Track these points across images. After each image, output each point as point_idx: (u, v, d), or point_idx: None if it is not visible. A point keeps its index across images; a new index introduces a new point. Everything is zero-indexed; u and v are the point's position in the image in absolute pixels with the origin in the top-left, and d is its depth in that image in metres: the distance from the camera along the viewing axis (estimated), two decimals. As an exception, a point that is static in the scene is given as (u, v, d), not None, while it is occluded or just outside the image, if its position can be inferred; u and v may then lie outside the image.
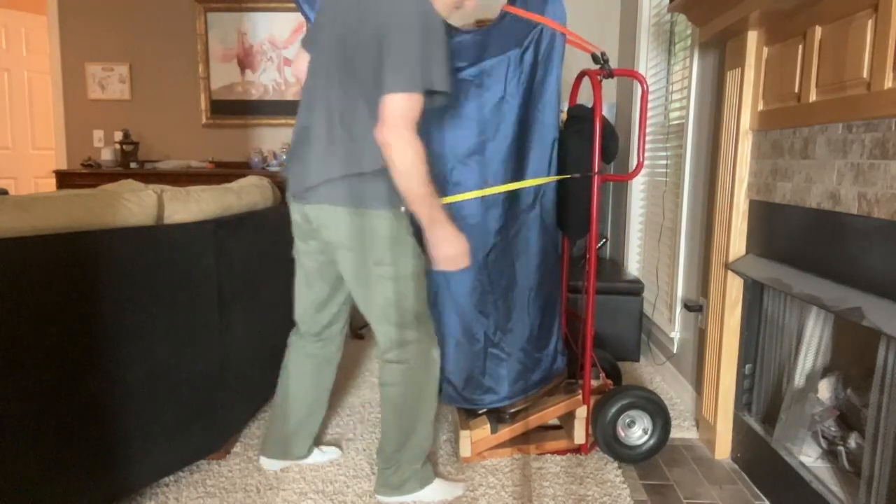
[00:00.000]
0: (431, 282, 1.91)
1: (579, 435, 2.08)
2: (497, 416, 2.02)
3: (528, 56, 1.83)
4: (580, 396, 2.07)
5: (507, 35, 1.83)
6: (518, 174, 1.92)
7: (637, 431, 2.08)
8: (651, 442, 2.06)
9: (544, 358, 2.05)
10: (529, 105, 1.87)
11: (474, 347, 1.96)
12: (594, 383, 2.18)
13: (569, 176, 1.98)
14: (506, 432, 2.02)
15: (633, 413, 2.07)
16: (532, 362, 2.02)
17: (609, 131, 2.03)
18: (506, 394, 1.99)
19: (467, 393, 1.98)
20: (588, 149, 1.98)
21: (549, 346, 2.06)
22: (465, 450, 1.98)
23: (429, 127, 1.84)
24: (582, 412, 2.06)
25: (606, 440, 2.03)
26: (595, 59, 1.92)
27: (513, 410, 2.00)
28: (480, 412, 2.05)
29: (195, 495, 1.82)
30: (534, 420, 2.05)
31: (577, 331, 2.24)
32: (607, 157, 2.04)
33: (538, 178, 1.92)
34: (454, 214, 1.84)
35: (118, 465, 1.66)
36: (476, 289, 1.92)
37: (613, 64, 3.99)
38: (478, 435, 1.99)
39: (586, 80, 4.10)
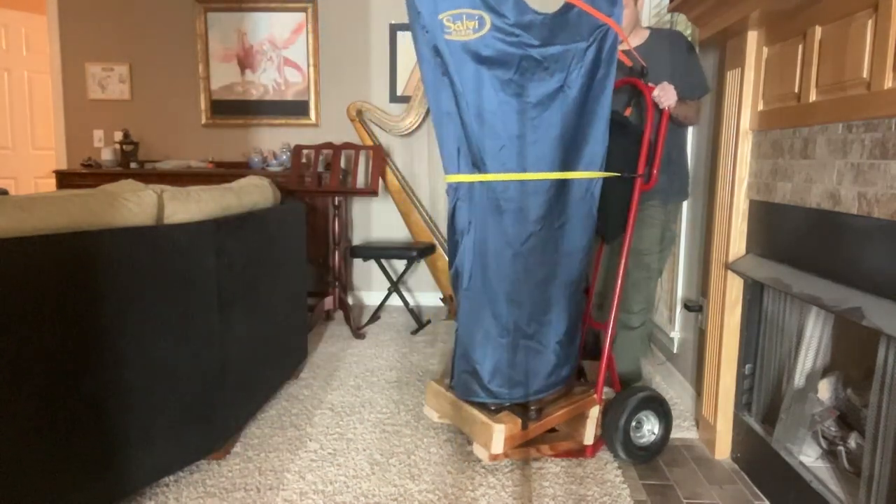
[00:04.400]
0: (461, 265, 1.88)
1: (589, 436, 2.05)
2: (523, 412, 1.93)
3: (591, 52, 1.84)
4: (594, 396, 2.05)
5: (575, 27, 1.84)
6: (568, 166, 1.89)
7: (644, 432, 2.09)
8: (657, 440, 2.09)
9: (573, 353, 2.04)
10: (588, 99, 1.87)
11: (504, 339, 1.90)
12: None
13: (617, 174, 1.99)
14: (536, 428, 1.94)
15: (642, 415, 2.07)
16: (565, 357, 2.00)
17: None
18: (537, 388, 1.95)
19: (494, 386, 1.91)
20: (633, 151, 2.01)
21: (577, 341, 2.05)
22: (497, 446, 1.85)
23: (492, 97, 1.81)
24: (595, 412, 2.04)
25: (624, 443, 2.01)
26: (642, 72, 2.12)
27: (535, 407, 1.94)
28: (500, 407, 1.95)
29: (195, 495, 1.82)
30: (557, 418, 2.00)
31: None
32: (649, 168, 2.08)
33: (587, 173, 1.92)
34: (491, 195, 1.83)
35: (118, 465, 1.66)
36: (509, 277, 1.87)
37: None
38: (510, 430, 1.87)
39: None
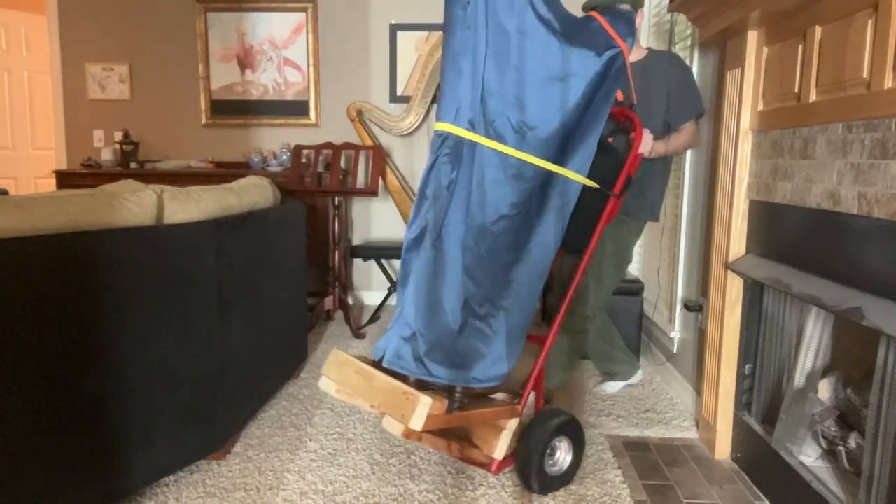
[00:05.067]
0: (426, 224, 1.73)
1: (501, 449, 1.82)
2: (449, 397, 1.71)
3: (600, 66, 1.83)
4: (516, 406, 1.85)
5: (591, 39, 1.84)
6: (559, 162, 1.84)
7: (557, 458, 1.92)
8: (567, 468, 1.93)
9: (516, 353, 1.86)
10: (589, 109, 1.85)
11: (453, 312, 1.74)
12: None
13: (597, 186, 1.95)
14: (458, 418, 1.71)
15: (556, 441, 1.90)
16: (510, 352, 1.83)
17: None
18: (478, 375, 1.76)
19: (430, 359, 1.71)
20: (612, 171, 2.00)
21: (521, 343, 1.87)
22: (419, 421, 1.58)
23: (505, 55, 1.74)
24: (513, 424, 1.84)
25: (536, 469, 1.82)
26: (631, 105, 2.16)
27: (461, 394, 1.72)
28: (423, 385, 1.73)
29: (195, 495, 1.82)
30: (480, 415, 1.78)
31: None
32: (623, 190, 2.04)
33: (575, 174, 1.87)
34: (479, 163, 1.75)
35: (118, 465, 1.66)
36: (473, 251, 1.75)
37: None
38: (437, 408, 1.62)
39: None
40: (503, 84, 1.75)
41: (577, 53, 1.80)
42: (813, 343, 1.79)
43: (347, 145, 3.62)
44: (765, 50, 1.90)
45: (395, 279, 3.74)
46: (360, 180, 4.23)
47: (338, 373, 1.86)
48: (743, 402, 2.05)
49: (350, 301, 4.24)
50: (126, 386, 1.66)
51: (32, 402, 1.44)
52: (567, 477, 1.93)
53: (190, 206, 1.85)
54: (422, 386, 1.72)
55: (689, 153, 2.66)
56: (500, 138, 1.77)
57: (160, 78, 4.30)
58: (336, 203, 3.57)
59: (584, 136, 1.86)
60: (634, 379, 2.73)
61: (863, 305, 1.36)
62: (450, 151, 1.71)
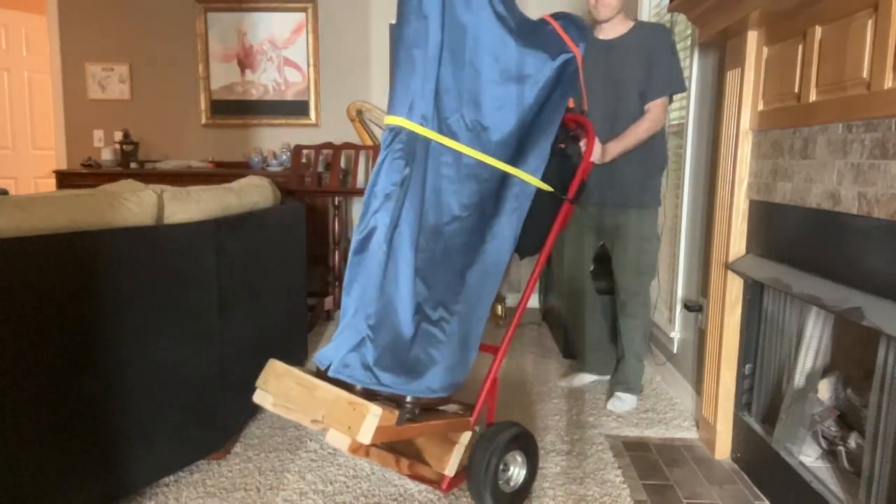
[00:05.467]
0: (377, 223, 1.62)
1: (453, 465, 1.72)
2: (399, 407, 1.58)
3: (553, 70, 1.79)
4: (468, 419, 1.74)
5: (545, 42, 1.81)
6: (514, 164, 1.78)
7: (511, 473, 1.82)
8: (522, 483, 1.83)
9: (469, 360, 1.76)
10: (543, 112, 1.81)
11: (405, 317, 1.62)
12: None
13: (552, 190, 1.89)
14: (409, 430, 1.58)
15: (510, 455, 1.80)
16: (465, 359, 1.75)
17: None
18: (432, 385, 1.65)
19: (380, 368, 1.60)
20: (569, 170, 1.98)
21: (474, 352, 1.77)
22: (367, 434, 1.44)
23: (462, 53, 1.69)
24: (465, 438, 1.74)
25: (490, 487, 1.70)
26: (582, 112, 2.09)
27: (412, 405, 1.61)
28: (371, 395, 1.60)
29: (195, 495, 1.82)
30: (432, 427, 1.66)
31: None
32: (577, 195, 2.00)
33: (530, 177, 1.81)
34: (434, 161, 1.67)
35: (118, 465, 1.66)
36: (424, 251, 1.66)
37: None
38: (386, 419, 1.49)
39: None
40: (458, 81, 1.68)
41: (533, 55, 1.75)
42: (813, 343, 1.79)
43: (347, 145, 3.62)
44: (765, 50, 1.90)
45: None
46: (360, 180, 4.23)
47: (275, 384, 1.71)
48: (743, 402, 2.05)
49: (350, 301, 4.23)
50: (126, 386, 1.66)
51: (32, 402, 1.45)
52: (523, 493, 1.82)
53: (190, 206, 1.85)
54: (369, 396, 1.57)
55: (688, 153, 2.66)
56: (453, 136, 1.69)
57: (160, 78, 4.30)
58: (336, 203, 3.57)
59: (539, 139, 1.81)
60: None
61: (863, 305, 1.36)
62: (402, 147, 1.62)
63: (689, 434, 2.29)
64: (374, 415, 1.46)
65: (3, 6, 4.81)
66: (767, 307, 1.95)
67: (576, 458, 2.08)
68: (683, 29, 2.84)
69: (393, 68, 1.72)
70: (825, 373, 1.79)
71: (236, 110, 4.31)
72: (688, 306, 2.52)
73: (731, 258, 2.05)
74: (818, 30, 1.59)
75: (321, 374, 1.67)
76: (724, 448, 2.12)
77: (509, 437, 1.76)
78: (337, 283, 3.61)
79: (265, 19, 4.22)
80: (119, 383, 1.64)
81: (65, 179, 4.02)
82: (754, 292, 2.01)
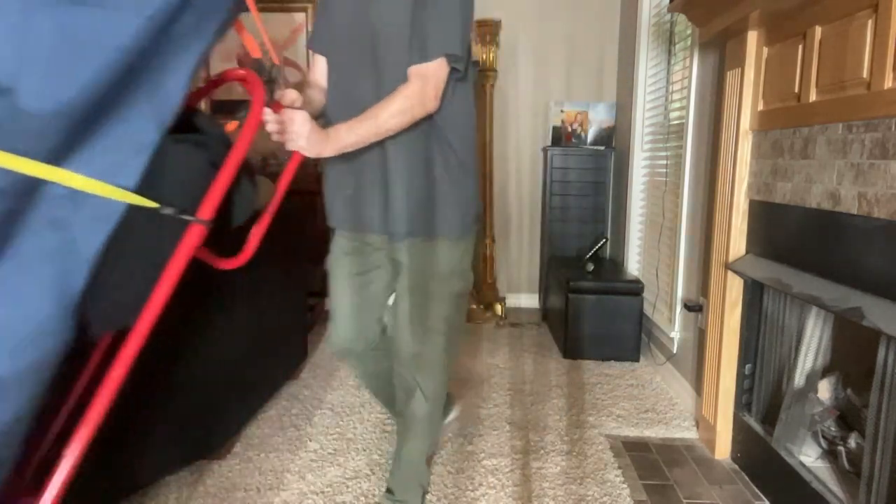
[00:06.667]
0: None
1: None
2: None
3: None
4: None
5: None
6: (58, 155, 0.94)
7: None
8: None
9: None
10: (147, 52, 0.98)
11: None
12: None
13: (150, 203, 1.05)
14: None
15: None
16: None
17: (248, 176, 1.28)
18: None
19: None
20: (203, 175, 1.20)
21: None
22: None
23: None
24: None
25: None
26: (260, 68, 1.43)
27: None
28: None
29: (195, 495, 1.82)
30: None
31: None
32: (230, 217, 1.31)
33: (98, 184, 0.98)
34: None
35: (118, 465, 1.66)
36: None
37: (612, 63, 3.97)
38: None
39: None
40: None
41: None
42: (813, 343, 1.79)
43: (347, 145, 3.61)
44: (765, 50, 1.90)
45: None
46: (360, 180, 4.22)
47: None
48: (743, 402, 2.05)
49: (350, 301, 4.22)
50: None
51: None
52: None
53: (190, 206, 1.85)
54: None
55: (688, 153, 2.65)
56: None
57: (160, 78, 4.31)
58: (336, 203, 3.56)
59: (128, 104, 1.00)
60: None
61: (863, 305, 1.36)
62: None
63: (689, 434, 2.29)
64: None
65: (3, 6, 4.81)
66: (767, 307, 1.95)
67: (576, 458, 2.09)
68: (683, 29, 2.84)
69: None
70: (825, 373, 1.79)
71: (236, 110, 4.31)
72: (688, 306, 2.52)
73: (731, 258, 2.05)
74: (818, 30, 1.60)
75: None
76: (724, 448, 2.12)
77: None
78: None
79: (265, 19, 4.23)
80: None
81: (65, 179, 4.01)
82: (754, 292, 2.01)
